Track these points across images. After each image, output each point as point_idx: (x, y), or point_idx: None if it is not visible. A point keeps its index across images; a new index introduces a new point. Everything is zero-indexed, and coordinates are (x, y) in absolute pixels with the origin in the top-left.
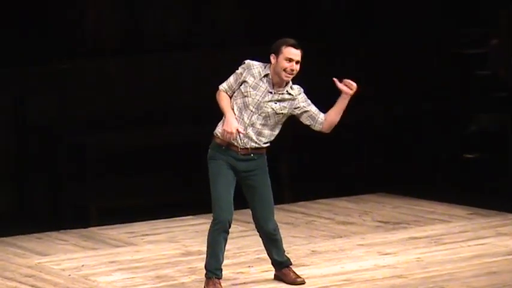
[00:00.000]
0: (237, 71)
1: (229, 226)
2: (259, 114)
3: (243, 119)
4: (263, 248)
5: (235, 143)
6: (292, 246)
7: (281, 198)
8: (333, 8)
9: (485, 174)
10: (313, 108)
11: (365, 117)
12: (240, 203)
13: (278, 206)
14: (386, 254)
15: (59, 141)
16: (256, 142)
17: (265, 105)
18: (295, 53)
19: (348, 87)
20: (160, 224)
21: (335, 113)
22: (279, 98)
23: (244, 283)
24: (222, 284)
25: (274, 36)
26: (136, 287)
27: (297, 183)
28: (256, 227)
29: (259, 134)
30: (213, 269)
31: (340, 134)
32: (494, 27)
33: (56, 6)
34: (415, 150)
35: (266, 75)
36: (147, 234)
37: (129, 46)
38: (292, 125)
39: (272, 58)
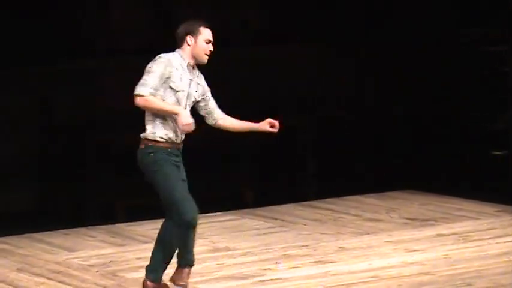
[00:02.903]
0: (155, 70)
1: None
2: (189, 105)
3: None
4: (290, 244)
5: (177, 140)
6: (320, 243)
7: (308, 195)
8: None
9: None
10: (212, 102)
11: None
12: (264, 200)
13: (305, 202)
14: (413, 251)
15: (85, 139)
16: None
17: (192, 94)
18: (211, 34)
19: (273, 128)
20: None
21: (239, 128)
22: (197, 83)
23: (271, 279)
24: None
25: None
26: (163, 282)
27: (323, 181)
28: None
29: None
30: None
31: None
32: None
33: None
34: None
35: (185, 63)
36: None
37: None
38: (314, 123)
39: (189, 39)
